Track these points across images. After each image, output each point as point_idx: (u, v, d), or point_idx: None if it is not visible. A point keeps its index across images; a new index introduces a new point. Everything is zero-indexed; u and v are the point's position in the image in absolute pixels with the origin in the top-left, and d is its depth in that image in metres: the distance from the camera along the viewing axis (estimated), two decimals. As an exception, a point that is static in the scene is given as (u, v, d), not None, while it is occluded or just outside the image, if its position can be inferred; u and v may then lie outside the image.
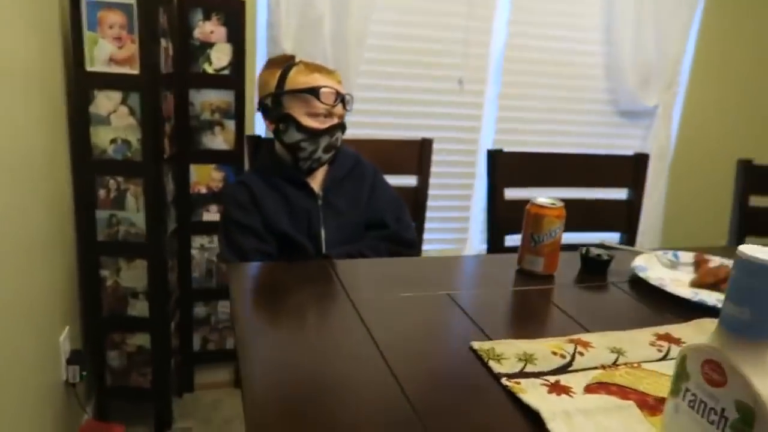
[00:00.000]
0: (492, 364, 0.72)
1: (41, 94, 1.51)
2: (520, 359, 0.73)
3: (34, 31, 1.46)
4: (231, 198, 1.30)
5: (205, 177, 1.99)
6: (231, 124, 1.97)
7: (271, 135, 1.36)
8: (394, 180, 1.44)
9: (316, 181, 1.34)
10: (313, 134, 1.27)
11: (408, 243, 1.38)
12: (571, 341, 0.79)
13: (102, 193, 1.74)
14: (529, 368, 0.72)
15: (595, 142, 2.40)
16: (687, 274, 1.14)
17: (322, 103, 1.24)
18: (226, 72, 1.92)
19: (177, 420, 2.01)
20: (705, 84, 2.47)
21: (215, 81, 1.92)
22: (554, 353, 0.75)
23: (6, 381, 1.30)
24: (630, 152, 2.42)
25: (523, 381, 0.69)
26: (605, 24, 2.27)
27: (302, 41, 1.94)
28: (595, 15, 2.26)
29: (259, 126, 2.08)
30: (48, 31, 1.56)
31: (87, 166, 1.71)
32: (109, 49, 1.63)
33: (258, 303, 0.94)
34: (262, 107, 1.35)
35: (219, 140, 1.97)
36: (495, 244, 1.50)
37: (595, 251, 1.13)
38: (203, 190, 2.00)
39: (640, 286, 1.08)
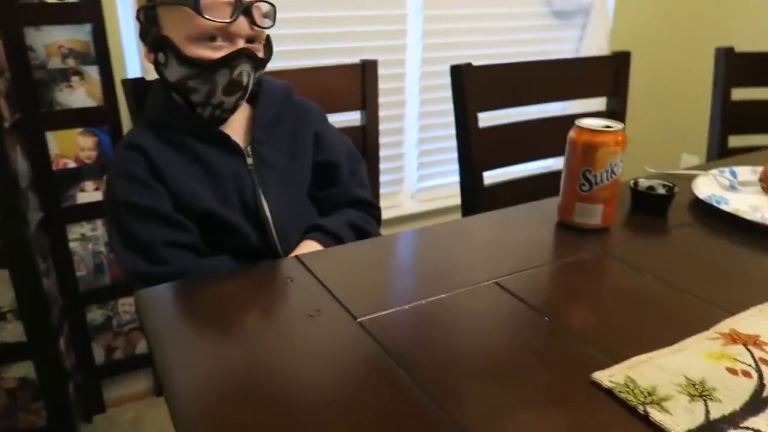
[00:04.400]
0: (654, 414, 0.43)
1: None
2: (691, 395, 0.44)
3: None
4: (119, 171, 0.88)
5: (69, 146, 1.50)
6: (93, 71, 1.47)
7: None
8: (332, 120, 1.07)
9: (236, 131, 0.94)
10: (202, 67, 0.86)
11: (373, 207, 1.04)
12: (728, 337, 0.51)
13: None
14: (715, 411, 0.43)
15: (528, 51, 2.12)
16: (756, 195, 0.91)
17: (204, 18, 0.82)
18: (73, 0, 1.41)
19: (92, 454, 1.60)
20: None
21: (61, 13, 1.40)
22: (730, 370, 0.47)
23: None
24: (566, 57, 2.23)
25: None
26: None
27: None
28: None
29: (136, 67, 1.59)
30: None
31: None
32: None
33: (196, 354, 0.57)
34: (140, 26, 0.92)
35: (80, 94, 1.47)
36: (471, 184, 1.19)
37: (645, 183, 0.85)
38: (71, 164, 1.51)
39: (715, 220, 0.83)
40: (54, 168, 1.49)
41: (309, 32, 1.75)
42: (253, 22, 0.86)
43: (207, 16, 0.82)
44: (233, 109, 0.92)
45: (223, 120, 0.93)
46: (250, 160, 0.93)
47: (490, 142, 1.18)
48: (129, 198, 0.85)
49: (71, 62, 1.44)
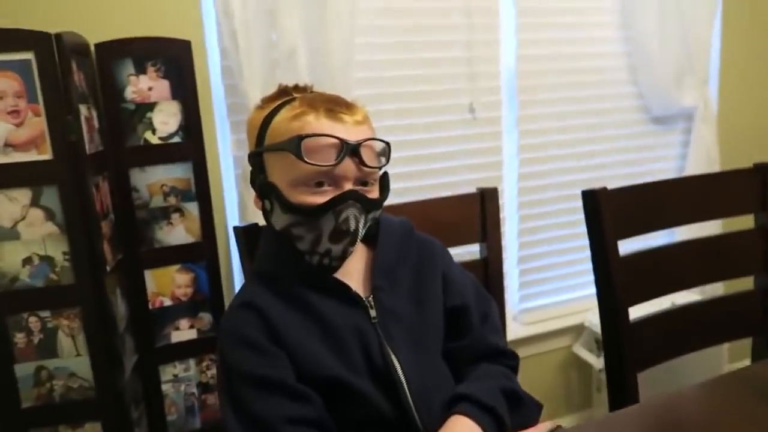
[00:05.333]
0: None
1: None
2: None
3: None
4: (234, 335, 0.78)
5: (166, 284, 1.46)
6: (193, 208, 1.45)
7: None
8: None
9: (353, 278, 0.84)
10: (305, 214, 0.78)
11: (510, 357, 0.89)
12: None
13: (20, 338, 1.18)
14: None
15: (631, 158, 2.00)
16: None
17: (306, 162, 0.75)
18: (176, 139, 1.42)
19: None
20: (739, 72, 2.14)
21: (164, 153, 1.42)
22: None
23: None
24: (671, 164, 2.09)
25: None
26: (622, 15, 1.90)
27: (272, 86, 1.46)
28: (610, 7, 1.89)
29: (234, 203, 1.57)
30: None
31: (-9, 304, 1.16)
32: (2, 129, 1.11)
33: None
34: (250, 172, 0.86)
35: (179, 231, 1.45)
36: (613, 320, 1.04)
37: None
38: (167, 302, 1.46)
39: None
40: (150, 307, 1.44)
41: (407, 170, 1.70)
42: (361, 162, 0.78)
43: (308, 161, 0.75)
44: (342, 257, 0.82)
45: (335, 268, 0.83)
46: (373, 312, 0.82)
47: (634, 271, 1.03)
48: (246, 367, 0.75)
49: (172, 200, 1.43)
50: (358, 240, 0.82)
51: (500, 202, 1.80)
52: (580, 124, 1.91)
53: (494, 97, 1.78)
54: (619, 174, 1.98)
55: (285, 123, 0.80)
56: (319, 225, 0.78)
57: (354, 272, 0.85)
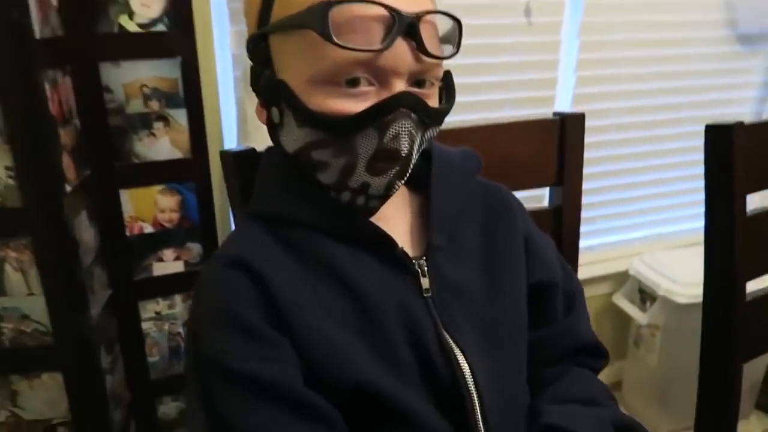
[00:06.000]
0: None
1: None
2: None
3: None
4: (213, 311, 0.53)
5: (147, 207, 1.20)
6: (181, 116, 1.17)
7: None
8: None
9: (394, 230, 0.57)
10: (334, 127, 0.51)
11: (600, 355, 0.64)
12: None
13: (-42, 271, 0.94)
14: None
15: (704, 84, 1.68)
16: None
17: (338, 45, 0.48)
18: (160, 27, 1.11)
19: None
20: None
21: (144, 45, 1.12)
22: None
23: None
24: (753, 93, 1.77)
25: None
26: None
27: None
28: None
29: (232, 111, 1.28)
30: None
31: None
32: None
33: None
34: (251, 69, 0.58)
35: (163, 144, 1.18)
36: (726, 295, 0.78)
37: None
38: (148, 229, 1.21)
39: None
40: (127, 234, 1.20)
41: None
42: (421, 48, 0.50)
43: (339, 42, 0.47)
44: (386, 194, 0.55)
45: (371, 211, 0.57)
46: (425, 282, 0.56)
47: (761, 236, 0.77)
48: (230, 361, 0.50)
49: (155, 105, 1.15)
50: (410, 169, 0.55)
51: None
52: (653, 39, 1.57)
53: (555, -1, 1.44)
54: (694, 101, 1.67)
55: None
56: (354, 145, 0.51)
57: (396, 224, 0.59)
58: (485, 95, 1.43)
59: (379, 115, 0.50)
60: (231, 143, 1.27)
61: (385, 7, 0.48)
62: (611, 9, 1.50)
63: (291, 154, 0.55)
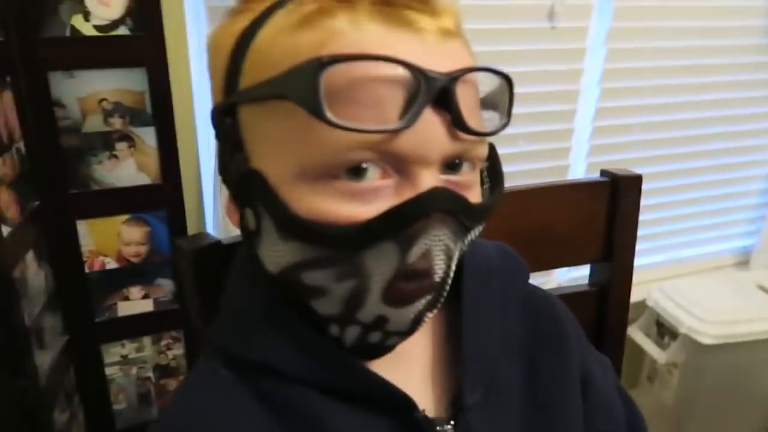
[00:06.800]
0: None
1: None
2: None
3: None
4: None
5: (110, 240, 1.04)
6: (148, 135, 1.00)
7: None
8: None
9: (408, 371, 0.43)
10: (334, 242, 0.35)
11: None
12: None
13: None
14: None
15: (738, 97, 1.52)
16: None
17: (333, 125, 0.32)
18: (122, 30, 0.94)
19: None
20: None
21: (103, 51, 0.94)
22: None
23: None
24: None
25: None
26: None
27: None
28: None
29: (209, 135, 1.10)
30: None
31: None
32: None
33: None
34: (217, 148, 0.42)
35: (128, 168, 1.01)
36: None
37: None
38: (111, 264, 1.05)
39: None
40: (87, 271, 1.03)
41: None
42: (459, 122, 0.35)
43: (339, 122, 0.32)
44: (410, 332, 0.40)
45: (384, 351, 0.41)
46: None
47: None
48: None
49: (117, 123, 0.98)
50: (445, 295, 0.40)
51: (568, 143, 1.37)
52: (686, 47, 1.40)
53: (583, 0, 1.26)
54: (725, 115, 1.51)
55: (284, 37, 0.36)
56: (364, 266, 0.36)
57: (410, 358, 0.44)
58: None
59: (400, 225, 0.34)
60: (208, 167, 1.10)
61: (405, 65, 0.32)
62: (642, 13, 1.32)
63: (274, 275, 0.39)
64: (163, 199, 1.03)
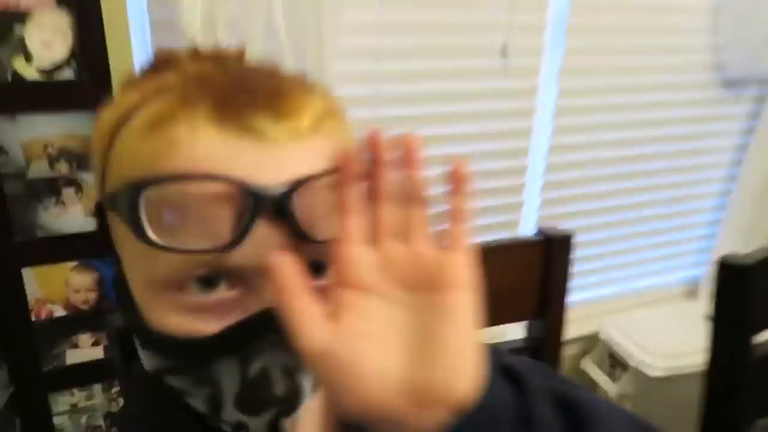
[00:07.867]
0: None
1: None
2: None
3: None
4: None
5: (57, 288, 1.02)
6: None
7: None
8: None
9: None
10: (181, 354, 0.36)
11: None
12: None
13: None
14: None
15: (683, 132, 1.56)
16: None
17: (157, 246, 0.32)
18: (67, 74, 0.93)
19: None
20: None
21: (46, 95, 0.93)
22: None
23: None
24: (733, 141, 1.64)
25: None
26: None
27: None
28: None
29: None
30: None
31: None
32: None
33: None
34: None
35: (74, 214, 0.99)
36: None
37: None
38: (59, 312, 1.03)
39: None
40: (34, 319, 1.01)
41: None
42: (301, 234, 0.34)
43: (162, 242, 0.32)
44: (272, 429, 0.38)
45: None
46: None
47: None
48: None
49: (63, 168, 0.96)
50: (302, 403, 0.38)
51: (521, 179, 1.39)
52: (636, 84, 1.45)
53: (535, 38, 1.29)
54: (670, 151, 1.56)
55: (132, 143, 0.35)
56: (214, 377, 0.36)
57: None
58: (452, 147, 1.28)
59: (235, 344, 0.35)
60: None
61: (233, 183, 0.32)
62: (593, 52, 1.37)
63: (149, 372, 0.39)
64: (111, 244, 1.01)
